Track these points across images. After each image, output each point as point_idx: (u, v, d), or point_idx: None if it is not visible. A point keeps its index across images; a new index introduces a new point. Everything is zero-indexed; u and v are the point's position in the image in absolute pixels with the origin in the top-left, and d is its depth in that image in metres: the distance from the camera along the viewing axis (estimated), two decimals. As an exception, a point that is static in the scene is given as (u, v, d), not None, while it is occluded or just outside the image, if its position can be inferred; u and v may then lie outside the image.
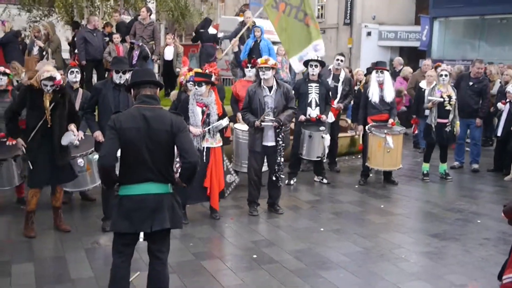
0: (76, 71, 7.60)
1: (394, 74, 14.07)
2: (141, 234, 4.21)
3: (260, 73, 7.35)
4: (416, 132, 12.54)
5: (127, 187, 4.10)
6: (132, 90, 4.31)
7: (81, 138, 7.09)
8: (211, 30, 13.18)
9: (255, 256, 5.98)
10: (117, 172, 4.16)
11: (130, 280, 4.90)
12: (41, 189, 6.53)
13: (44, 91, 6.17)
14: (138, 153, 4.05)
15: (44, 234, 6.56)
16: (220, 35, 14.39)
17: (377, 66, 9.29)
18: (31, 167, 6.30)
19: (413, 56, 26.24)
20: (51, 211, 6.80)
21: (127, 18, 14.73)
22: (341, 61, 9.98)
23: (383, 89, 9.03)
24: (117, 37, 11.88)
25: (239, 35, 11.93)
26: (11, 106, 6.63)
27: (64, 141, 6.28)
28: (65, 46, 13.59)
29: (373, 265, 5.78)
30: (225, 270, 5.62)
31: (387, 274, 5.54)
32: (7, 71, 7.83)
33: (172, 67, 12.12)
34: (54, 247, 6.25)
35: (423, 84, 11.18)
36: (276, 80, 7.45)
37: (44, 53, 11.88)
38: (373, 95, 9.04)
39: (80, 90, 7.67)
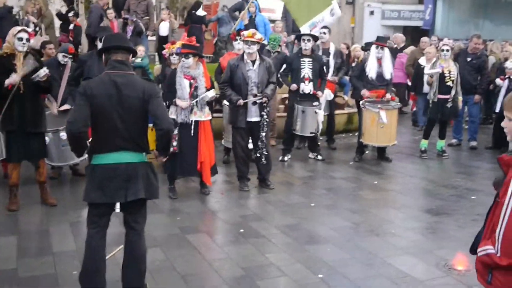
0: (70, 58, 7.63)
1: (396, 51, 13.86)
2: (117, 205, 4.07)
3: (245, 46, 7.12)
4: (415, 109, 12.41)
5: (100, 156, 3.99)
6: (103, 56, 4.17)
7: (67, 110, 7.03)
8: (200, 12, 13.08)
9: (242, 230, 5.89)
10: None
11: (113, 253, 4.88)
12: (20, 163, 6.41)
13: (16, 54, 6.07)
14: (110, 120, 3.92)
15: (30, 208, 6.49)
16: (220, 13, 14.21)
17: (377, 41, 9.08)
18: (6, 139, 6.23)
19: (416, 35, 25.88)
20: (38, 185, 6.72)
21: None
22: (324, 33, 9.70)
23: (381, 65, 8.86)
24: (111, 13, 11.73)
25: (247, 7, 11.75)
26: None
27: (35, 74, 6.06)
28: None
29: (361, 240, 5.68)
30: (210, 244, 5.54)
31: (375, 248, 5.44)
32: None
33: (167, 42, 11.94)
34: (39, 220, 6.18)
35: (422, 60, 11.03)
36: (259, 54, 7.27)
37: (37, 28, 11.73)
38: (371, 71, 8.86)
39: (68, 63, 7.58)
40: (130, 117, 3.96)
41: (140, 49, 10.15)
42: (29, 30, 6.38)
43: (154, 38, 12.55)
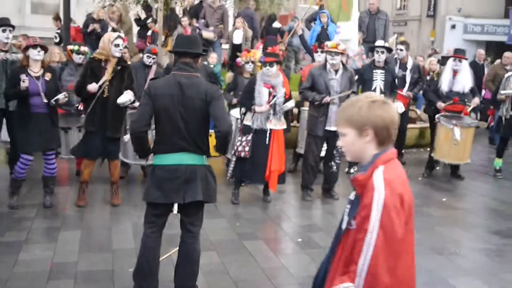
0: (153, 58, 8.03)
1: (479, 67, 13.42)
2: (175, 206, 4.13)
3: (329, 57, 7.07)
4: (492, 124, 11.88)
5: (161, 157, 4.05)
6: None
7: None
8: (276, 25, 13.46)
9: (299, 240, 5.82)
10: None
11: (168, 254, 4.93)
12: (94, 161, 6.65)
13: (110, 59, 6.32)
14: (172, 121, 3.97)
15: (97, 205, 6.73)
16: (291, 23, 14.31)
17: (456, 53, 8.80)
18: (85, 138, 6.50)
19: (500, 51, 24.89)
20: (107, 184, 6.97)
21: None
22: (401, 50, 9.58)
23: (456, 78, 8.55)
24: (185, 20, 11.96)
25: (304, 17, 11.82)
26: (77, 82, 6.76)
27: (121, 99, 6.33)
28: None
29: (422, 258, 5.42)
30: (266, 252, 5.50)
31: (436, 267, 5.23)
32: (86, 49, 8.20)
33: (241, 51, 12.02)
34: (103, 218, 6.34)
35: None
36: (342, 63, 7.19)
37: (117, 34, 12.13)
38: (443, 84, 8.59)
39: (153, 67, 7.92)
40: (192, 118, 3.99)
41: (213, 57, 10.31)
42: (123, 36, 6.60)
43: (227, 46, 12.66)
